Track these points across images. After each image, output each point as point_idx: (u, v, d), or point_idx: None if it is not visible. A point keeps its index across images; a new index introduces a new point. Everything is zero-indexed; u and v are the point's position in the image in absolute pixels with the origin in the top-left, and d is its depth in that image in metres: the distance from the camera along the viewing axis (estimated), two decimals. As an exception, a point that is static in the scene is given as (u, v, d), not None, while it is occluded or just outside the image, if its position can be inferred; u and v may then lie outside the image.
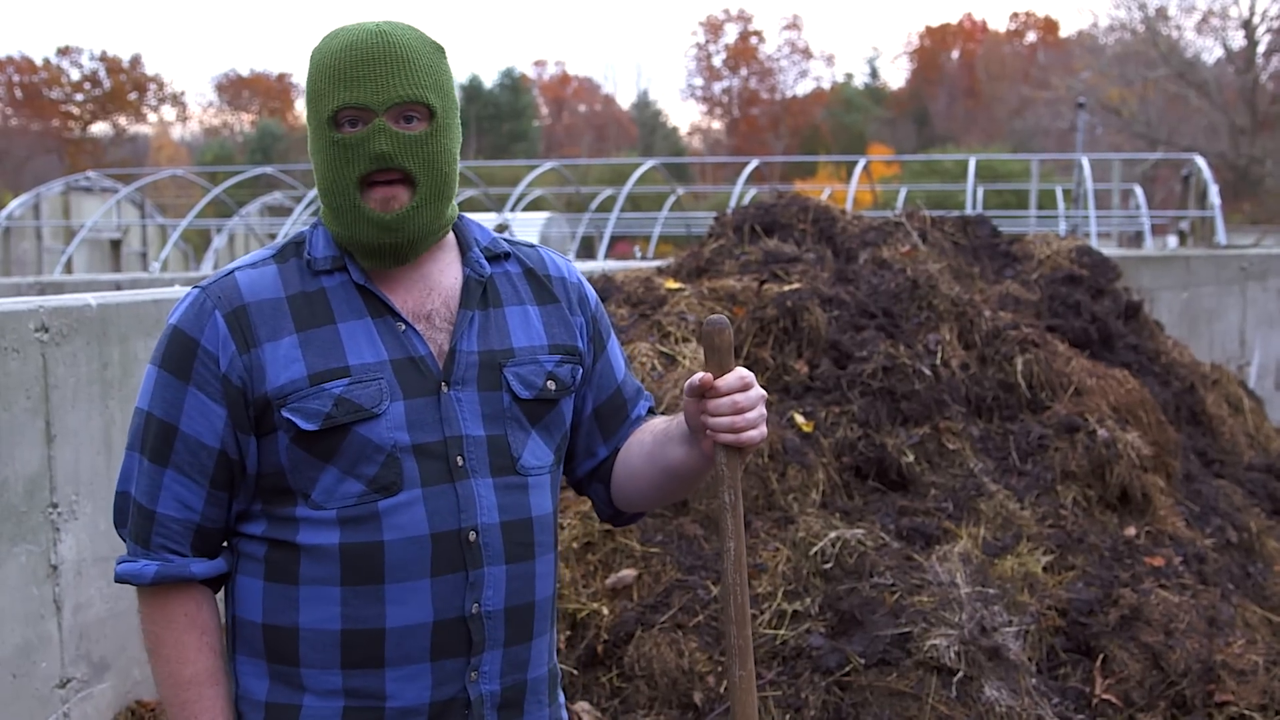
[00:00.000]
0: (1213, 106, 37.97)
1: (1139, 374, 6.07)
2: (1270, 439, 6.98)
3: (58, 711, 3.82)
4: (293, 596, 1.83)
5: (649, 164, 25.65)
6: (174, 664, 1.86)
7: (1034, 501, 4.83)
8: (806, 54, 78.86)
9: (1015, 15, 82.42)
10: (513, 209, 25.05)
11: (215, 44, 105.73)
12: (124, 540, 1.90)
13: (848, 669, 3.83)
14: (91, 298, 4.02)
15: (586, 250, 25.18)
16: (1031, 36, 68.45)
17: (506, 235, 2.09)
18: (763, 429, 1.86)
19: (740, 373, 1.85)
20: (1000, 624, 3.99)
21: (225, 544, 1.92)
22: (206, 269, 21.96)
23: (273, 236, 26.67)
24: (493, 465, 1.87)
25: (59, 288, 13.68)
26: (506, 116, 57.62)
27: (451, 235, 1.98)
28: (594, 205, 26.33)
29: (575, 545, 4.31)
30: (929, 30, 71.68)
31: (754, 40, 71.18)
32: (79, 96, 59.98)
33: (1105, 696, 4.02)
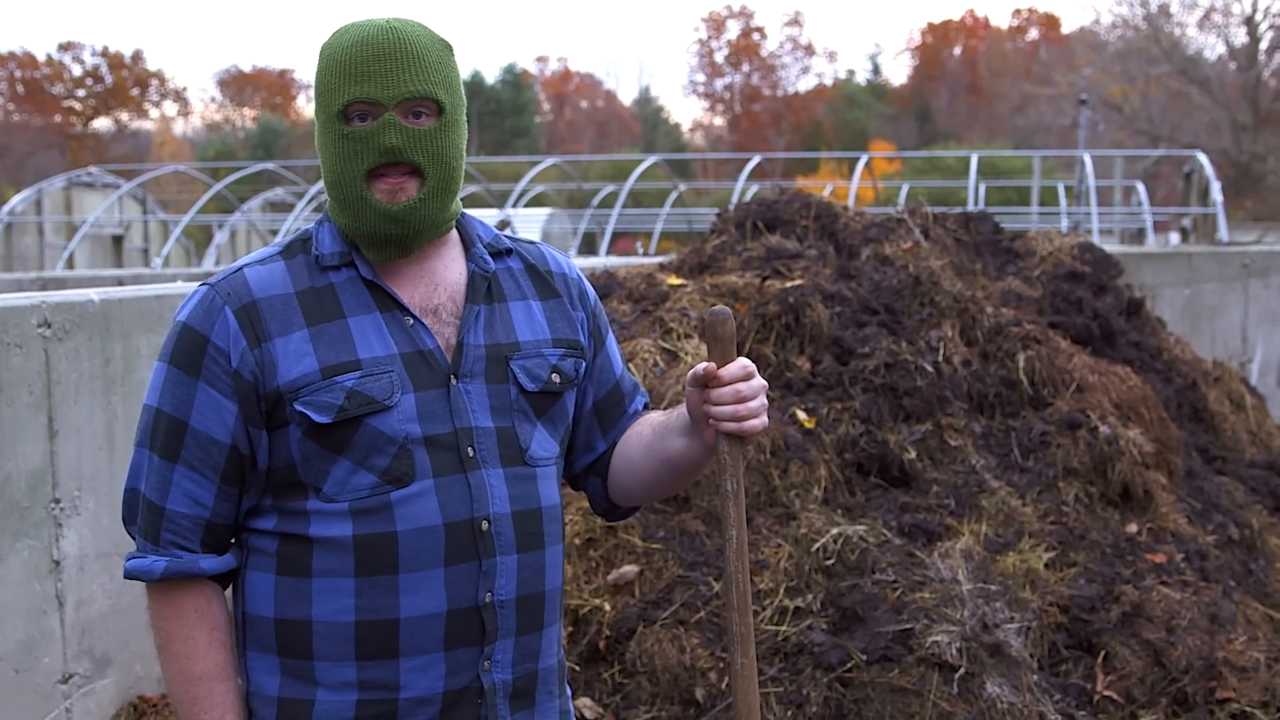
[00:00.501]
0: (1215, 103, 37.93)
1: (1141, 371, 6.07)
2: (1272, 436, 6.98)
3: (60, 707, 3.83)
4: (305, 590, 1.84)
5: (651, 160, 25.65)
6: (184, 660, 1.86)
7: (1036, 498, 4.83)
8: (809, 50, 78.83)
9: (1017, 12, 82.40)
10: (514, 205, 25.06)
11: (217, 39, 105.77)
12: (133, 537, 1.91)
13: (849, 665, 3.83)
14: (94, 293, 4.03)
15: (588, 246, 25.19)
16: (1034, 33, 68.44)
17: (507, 233, 2.11)
18: (764, 418, 1.89)
19: (742, 362, 1.88)
20: (1002, 620, 3.99)
21: (234, 540, 1.93)
22: (208, 265, 21.98)
23: (274, 232, 26.68)
24: (502, 456, 1.89)
25: (61, 283, 13.68)
26: (508, 112, 57.63)
27: (455, 232, 2.00)
28: (596, 201, 26.33)
29: (577, 541, 4.32)
30: (931, 26, 71.72)
31: (756, 36, 71.17)
32: (81, 92, 60.02)
33: (1107, 693, 4.02)
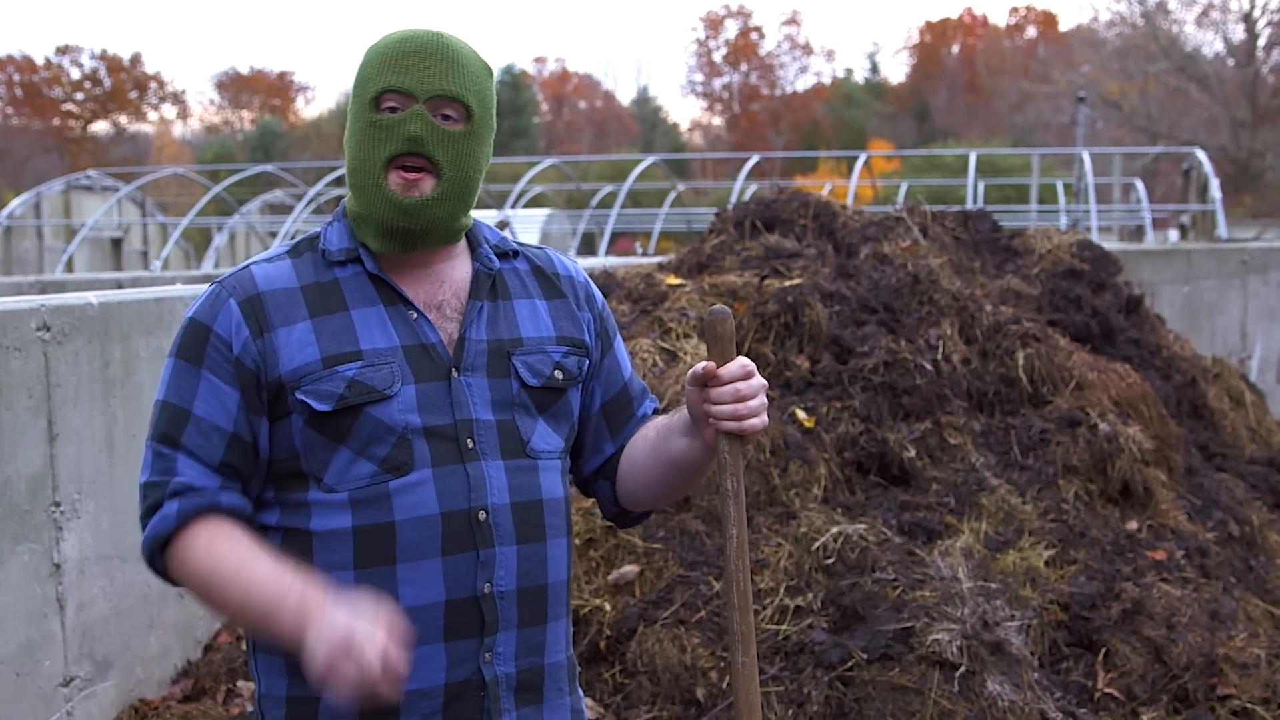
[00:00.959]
0: (1213, 100, 37.93)
1: (1140, 368, 6.07)
2: (1272, 432, 6.98)
3: (61, 710, 3.83)
4: None
5: (649, 160, 25.64)
6: (216, 572, 1.80)
7: (1035, 496, 4.83)
8: (807, 49, 78.89)
9: (1015, 10, 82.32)
10: (513, 206, 25.05)
11: (215, 42, 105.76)
12: (141, 528, 1.91)
13: (850, 664, 3.83)
14: (93, 296, 4.03)
15: (587, 246, 25.18)
16: (1031, 31, 68.42)
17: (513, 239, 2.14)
18: (764, 417, 1.90)
19: (742, 361, 1.89)
20: (1002, 618, 3.99)
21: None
22: (207, 267, 21.97)
23: (273, 235, 26.67)
24: (503, 448, 1.91)
25: (60, 287, 13.68)
26: (507, 113, 57.54)
27: (463, 237, 2.03)
28: (595, 202, 26.33)
29: (577, 541, 4.32)
30: (929, 25, 71.70)
31: (754, 36, 71.15)
32: (79, 95, 59.98)
33: (1107, 690, 4.02)
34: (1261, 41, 39.25)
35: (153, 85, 62.79)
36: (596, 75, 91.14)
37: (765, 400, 1.90)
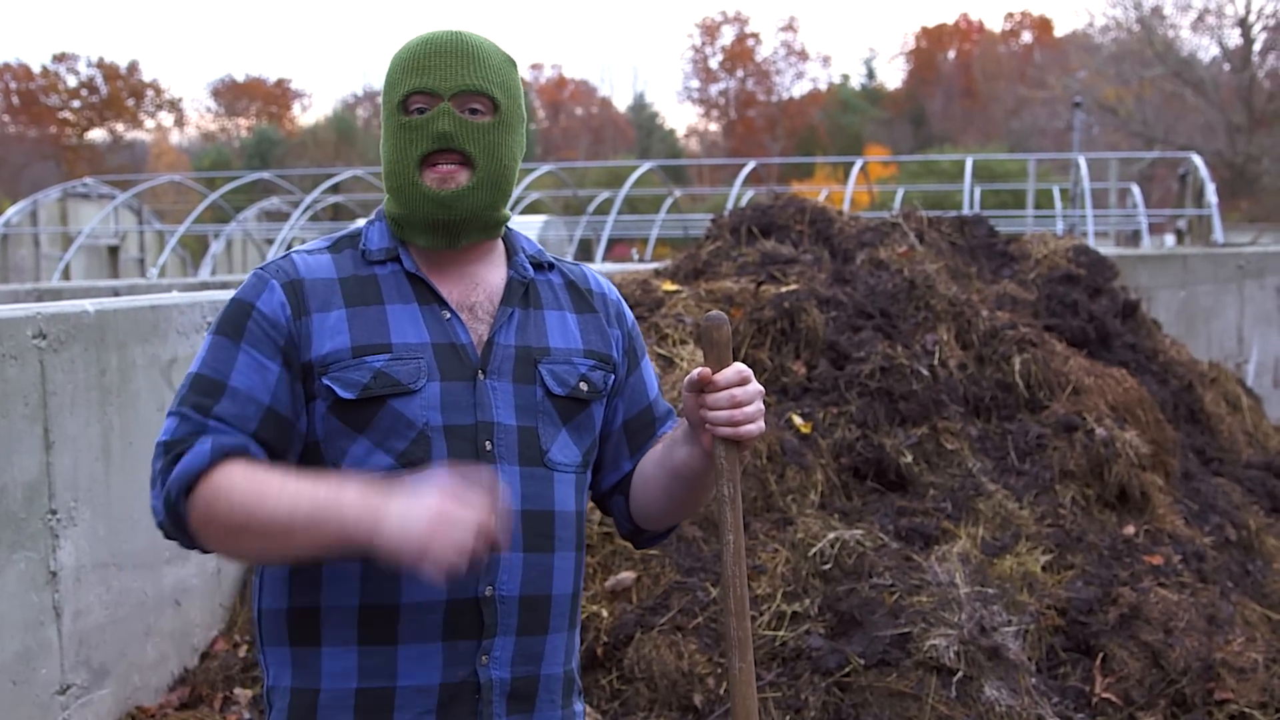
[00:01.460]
0: (1209, 105, 38.00)
1: (1137, 373, 6.08)
2: (1268, 437, 6.98)
3: (58, 718, 3.82)
4: (316, 577, 1.88)
5: (646, 166, 25.67)
6: (257, 505, 1.75)
7: (1032, 501, 4.83)
8: (803, 55, 78.91)
9: (1010, 15, 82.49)
10: (510, 212, 25.03)
11: (212, 49, 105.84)
12: (154, 488, 1.84)
13: (847, 670, 3.83)
14: (89, 304, 4.03)
15: (584, 253, 25.19)
16: (1027, 36, 68.52)
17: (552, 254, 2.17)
18: (761, 424, 1.90)
19: (738, 367, 1.90)
20: (1000, 624, 3.99)
21: None
22: (204, 274, 21.98)
23: (270, 242, 26.68)
24: (521, 455, 1.92)
25: (57, 294, 13.66)
26: (503, 119, 57.37)
27: (501, 243, 2.06)
28: (591, 208, 26.36)
29: (574, 548, 4.32)
30: (925, 31, 71.75)
31: (750, 42, 71.20)
32: (76, 103, 59.97)
33: (1105, 695, 4.02)
34: (1257, 46, 39.35)
35: (149, 93, 62.77)
36: (593, 81, 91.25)
37: (762, 406, 1.90)
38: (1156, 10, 40.43)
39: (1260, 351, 9.99)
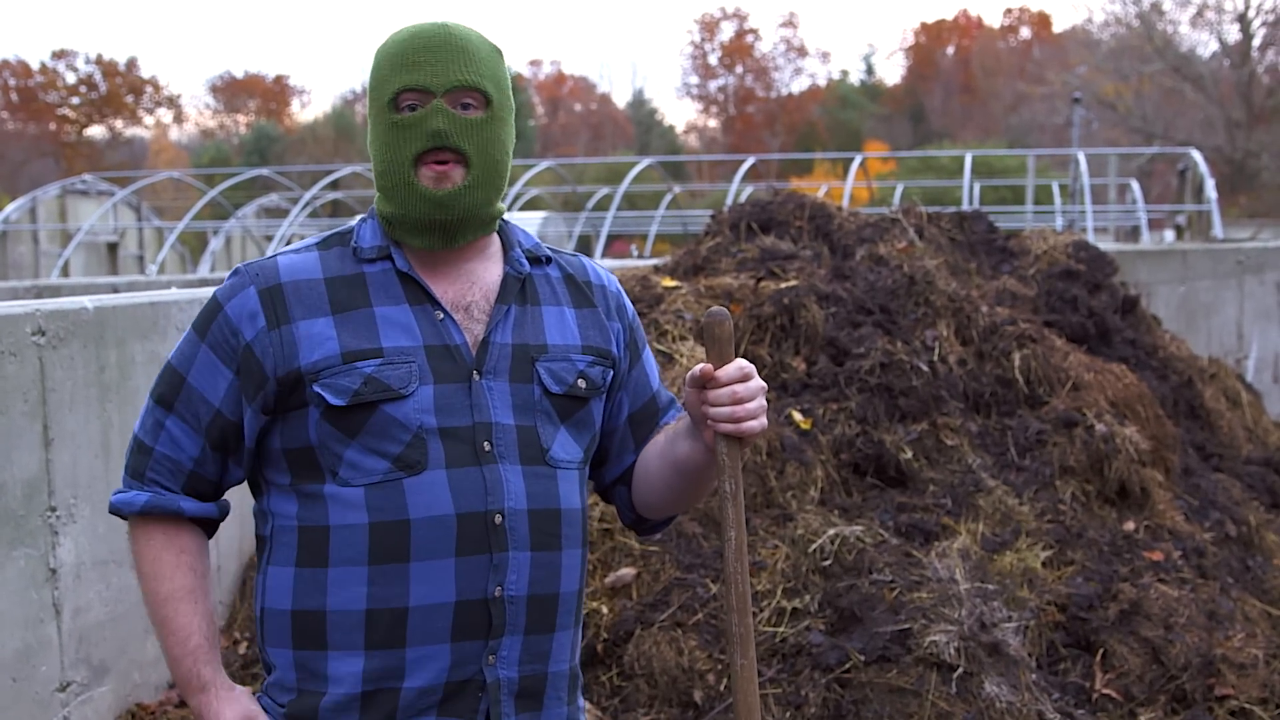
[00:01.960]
0: (1208, 100, 37.99)
1: (1136, 368, 6.07)
2: (1268, 432, 6.98)
3: (58, 715, 3.82)
4: (322, 580, 1.88)
5: (645, 162, 25.66)
6: (152, 582, 1.95)
7: (1033, 497, 4.83)
8: (802, 51, 78.84)
9: (1010, 11, 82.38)
10: (509, 208, 25.05)
11: (211, 46, 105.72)
12: (123, 473, 2.01)
13: (848, 666, 3.83)
14: (88, 301, 4.02)
15: (583, 249, 25.17)
16: (1026, 32, 68.50)
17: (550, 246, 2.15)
18: (763, 419, 1.90)
19: (740, 363, 1.89)
20: (1000, 620, 3.99)
21: (219, 496, 2.02)
22: (203, 271, 21.96)
23: (269, 238, 26.66)
24: (522, 454, 1.91)
25: (56, 291, 13.65)
26: (502, 116, 57.29)
27: (496, 237, 2.04)
28: (590, 204, 26.34)
29: (574, 544, 4.31)
30: (924, 26, 71.73)
31: (750, 38, 71.16)
32: (75, 100, 59.92)
33: (1105, 691, 4.02)
34: (1256, 42, 39.33)
35: (148, 89, 62.69)
36: (592, 78, 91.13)
37: (764, 403, 1.90)
38: (1156, 6, 40.41)
39: (1260, 347, 9.99)
